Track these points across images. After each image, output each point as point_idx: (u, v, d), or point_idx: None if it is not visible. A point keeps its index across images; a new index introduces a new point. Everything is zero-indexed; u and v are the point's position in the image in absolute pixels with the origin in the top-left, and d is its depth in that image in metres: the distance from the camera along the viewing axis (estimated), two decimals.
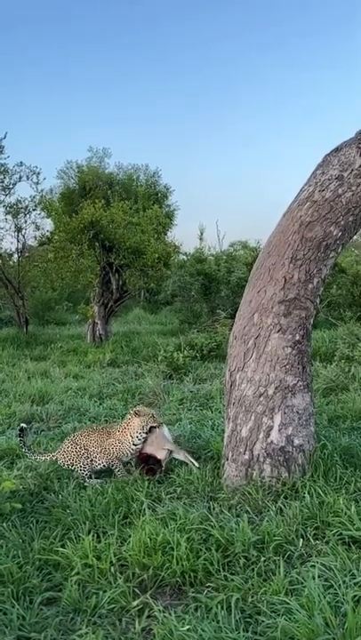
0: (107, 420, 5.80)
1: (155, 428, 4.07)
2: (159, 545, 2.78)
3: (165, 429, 4.16)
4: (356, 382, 6.38)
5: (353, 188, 3.53)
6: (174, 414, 5.79)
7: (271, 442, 3.51)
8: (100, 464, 4.05)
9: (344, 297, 12.53)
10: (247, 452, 3.56)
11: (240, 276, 13.64)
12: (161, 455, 3.95)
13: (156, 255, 11.48)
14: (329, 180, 3.59)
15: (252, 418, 3.58)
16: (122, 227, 11.27)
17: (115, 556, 2.78)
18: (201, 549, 2.74)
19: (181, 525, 2.93)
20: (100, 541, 2.96)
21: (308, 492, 3.19)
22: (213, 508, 3.24)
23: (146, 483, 3.68)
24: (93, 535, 3.00)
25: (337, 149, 3.67)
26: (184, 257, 17.98)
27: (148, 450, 4.00)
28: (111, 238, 11.33)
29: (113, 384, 7.59)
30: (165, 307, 19.05)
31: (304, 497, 3.15)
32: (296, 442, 3.52)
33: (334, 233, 3.59)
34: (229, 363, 3.85)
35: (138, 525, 3.02)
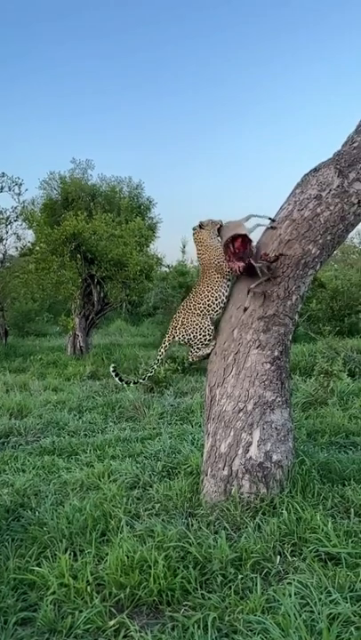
0: (86, 435, 5.76)
1: (221, 225, 3.95)
2: (136, 563, 2.76)
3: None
4: (334, 397, 6.45)
5: (331, 208, 3.61)
6: (154, 428, 5.78)
7: (250, 457, 3.52)
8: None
9: (324, 311, 12.69)
10: (226, 468, 3.57)
11: None
12: (242, 230, 3.69)
13: (139, 268, 11.51)
14: (308, 199, 3.66)
15: (232, 433, 3.59)
16: (104, 239, 11.28)
17: (91, 575, 2.74)
18: (179, 567, 2.72)
19: (159, 543, 2.92)
20: (76, 560, 2.93)
21: (286, 509, 3.20)
22: (192, 525, 3.23)
23: (124, 499, 3.66)
24: (70, 553, 2.97)
25: (316, 169, 3.75)
26: (166, 269, 18.05)
27: (227, 236, 3.71)
28: (93, 250, 11.32)
29: (93, 397, 7.55)
30: (147, 318, 19.04)
31: (282, 513, 3.16)
32: (275, 457, 3.54)
33: (313, 251, 3.66)
34: (209, 378, 3.87)
35: (115, 543, 2.99)
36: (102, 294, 12.16)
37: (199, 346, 3.89)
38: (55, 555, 2.96)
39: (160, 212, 27.85)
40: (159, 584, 2.62)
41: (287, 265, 3.65)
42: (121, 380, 4.18)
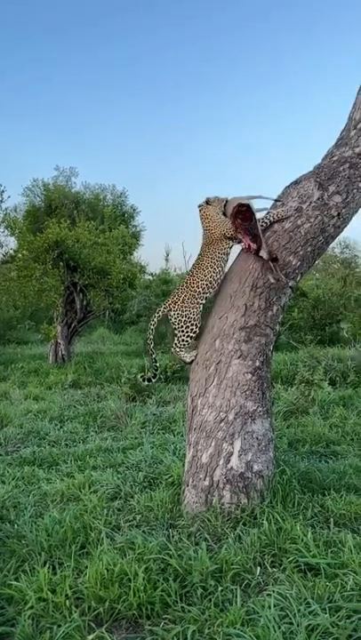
0: (67, 445, 5.71)
1: (226, 201, 3.98)
2: (116, 576, 2.74)
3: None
4: (315, 406, 6.50)
5: (311, 220, 3.66)
6: (136, 438, 5.75)
7: (231, 468, 3.53)
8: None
9: (305, 320, 12.82)
10: (207, 479, 3.57)
11: None
12: (246, 201, 3.72)
13: (122, 276, 11.49)
14: (288, 211, 3.71)
15: (213, 443, 3.60)
16: (87, 247, 11.25)
17: (70, 589, 2.71)
18: (159, 580, 2.71)
19: (140, 555, 2.90)
20: (55, 573, 2.89)
21: (267, 519, 3.21)
22: (173, 536, 3.22)
23: (105, 510, 3.63)
24: (49, 567, 2.93)
25: (296, 182, 3.80)
26: (150, 277, 18.05)
27: (232, 206, 3.76)
28: (76, 258, 11.28)
29: (75, 406, 7.48)
30: (130, 326, 18.99)
31: (262, 524, 3.17)
32: (255, 468, 3.55)
33: (293, 262, 3.70)
34: (191, 388, 3.87)
35: (95, 556, 2.96)
36: (85, 302, 12.11)
37: (184, 337, 3.85)
38: (34, 568, 2.92)
39: (144, 220, 27.91)
40: (139, 597, 2.60)
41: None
42: (144, 379, 4.21)
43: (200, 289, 3.84)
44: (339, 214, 3.69)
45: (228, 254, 3.93)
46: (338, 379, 8.20)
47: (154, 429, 6.08)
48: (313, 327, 12.66)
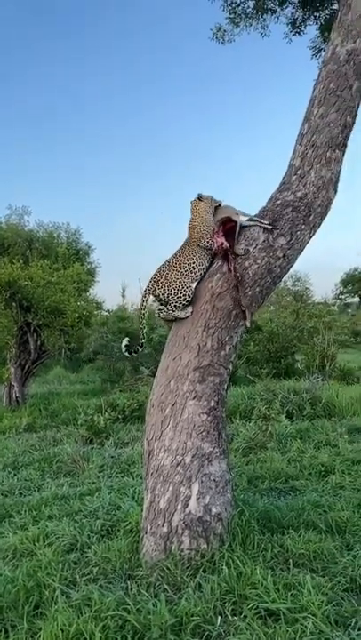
0: (21, 494, 5.48)
1: (219, 205, 3.98)
2: (72, 637, 2.62)
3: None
4: (273, 441, 6.54)
5: (258, 262, 3.78)
6: (94, 483, 5.59)
7: (189, 512, 3.48)
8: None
9: (261, 353, 13.02)
10: (166, 524, 3.50)
11: (162, 333, 13.81)
12: (236, 218, 3.78)
13: (77, 314, 11.37)
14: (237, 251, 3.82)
15: (170, 488, 3.55)
16: (41, 286, 11.11)
17: None
18: (117, 639, 2.60)
19: (96, 613, 2.78)
20: (7, 637, 2.73)
21: (227, 564, 3.16)
22: (131, 589, 3.12)
23: (60, 565, 3.48)
24: (1, 630, 2.76)
25: (242, 225, 3.93)
26: (107, 313, 17.97)
27: (221, 216, 3.84)
28: (29, 298, 11.10)
29: (29, 452, 7.24)
30: (87, 364, 18.72)
31: (222, 569, 3.12)
32: (214, 510, 3.52)
33: (243, 303, 3.79)
34: (147, 431, 3.83)
35: (50, 616, 2.83)
36: (39, 342, 11.86)
37: (177, 304, 3.80)
38: None
39: (99, 257, 27.91)
40: None
41: (219, 316, 3.76)
42: (130, 352, 4.07)
43: (184, 269, 3.83)
44: (284, 255, 3.84)
45: (211, 254, 3.94)
46: (294, 411, 8.32)
47: (112, 473, 5.94)
48: (269, 360, 12.86)
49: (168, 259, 3.94)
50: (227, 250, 3.78)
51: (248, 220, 3.88)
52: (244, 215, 3.93)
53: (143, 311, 4.03)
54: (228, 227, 3.84)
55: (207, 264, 3.93)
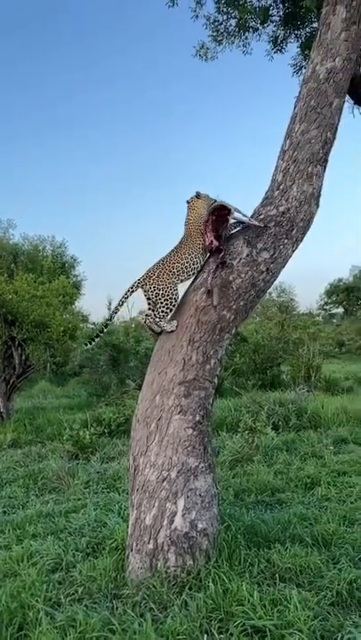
0: (5, 512, 5.39)
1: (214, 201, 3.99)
2: None
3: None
4: (259, 453, 6.54)
5: (242, 275, 3.81)
6: (79, 499, 5.52)
7: (175, 528, 3.45)
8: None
9: (247, 364, 13.06)
10: (151, 541, 3.46)
11: (148, 346, 13.78)
12: (229, 206, 3.82)
13: (62, 328, 11.30)
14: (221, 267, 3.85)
15: (156, 504, 3.52)
16: (26, 299, 11.04)
17: None
18: None
19: (81, 634, 2.74)
20: None
21: (213, 580, 3.14)
22: (116, 608, 3.07)
23: (45, 585, 3.41)
24: None
25: (226, 239, 3.97)
26: (92, 326, 17.87)
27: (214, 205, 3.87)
28: (14, 312, 11.02)
29: (14, 468, 7.13)
30: (73, 378, 18.56)
31: (208, 586, 3.09)
32: (200, 526, 3.50)
33: (227, 316, 3.81)
34: (132, 447, 3.81)
35: (34, 638, 2.77)
36: (24, 357, 11.75)
37: (163, 309, 3.80)
38: None
39: (85, 270, 27.91)
40: None
41: (204, 330, 3.77)
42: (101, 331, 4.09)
43: (176, 270, 3.84)
44: (268, 269, 3.87)
45: (205, 252, 3.96)
46: (280, 423, 8.34)
47: (98, 489, 5.87)
48: (255, 371, 12.90)
49: (163, 257, 3.95)
50: (216, 249, 3.82)
51: (243, 218, 3.94)
52: (239, 213, 3.97)
53: (124, 298, 3.90)
54: (221, 215, 3.87)
55: (202, 261, 3.97)
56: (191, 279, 3.97)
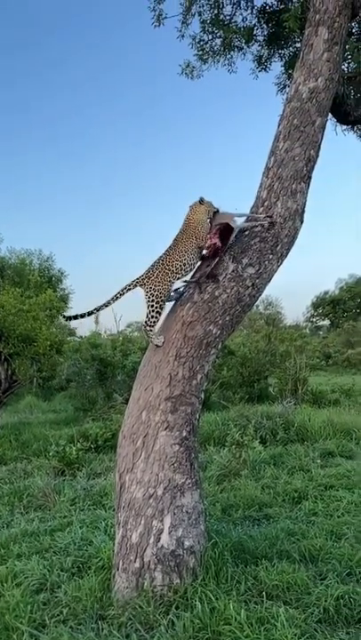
0: None
1: (217, 211, 4.00)
2: None
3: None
4: (247, 468, 6.52)
5: (228, 291, 3.84)
6: (65, 517, 5.45)
7: (162, 546, 3.42)
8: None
9: (235, 377, 13.07)
10: (138, 560, 3.42)
11: (135, 359, 13.75)
12: (233, 225, 3.84)
13: (49, 342, 11.23)
14: (206, 282, 3.87)
15: (142, 522, 3.49)
16: (12, 314, 10.97)
17: None
18: None
19: None
20: None
21: (200, 599, 3.10)
22: (102, 629, 3.02)
23: (29, 607, 3.35)
24: None
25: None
26: (79, 340, 17.80)
27: (220, 221, 3.88)
28: (0, 326, 10.93)
29: None
30: (60, 392, 18.40)
31: (195, 605, 3.06)
32: (187, 543, 3.47)
33: (214, 331, 3.82)
34: (119, 463, 3.78)
35: None
36: (10, 371, 11.64)
37: (154, 313, 3.78)
38: None
39: (72, 284, 27.90)
40: None
41: (191, 345, 3.77)
42: (82, 316, 3.95)
43: (174, 268, 3.84)
44: (253, 284, 3.91)
45: (201, 251, 3.97)
46: (268, 436, 8.33)
47: (84, 505, 5.80)
48: (242, 384, 12.91)
49: (161, 256, 3.95)
50: (218, 249, 3.85)
51: (247, 221, 4.00)
52: (241, 216, 4.03)
53: (119, 294, 3.85)
54: (224, 229, 3.91)
55: (196, 260, 3.99)
56: (186, 277, 3.99)
